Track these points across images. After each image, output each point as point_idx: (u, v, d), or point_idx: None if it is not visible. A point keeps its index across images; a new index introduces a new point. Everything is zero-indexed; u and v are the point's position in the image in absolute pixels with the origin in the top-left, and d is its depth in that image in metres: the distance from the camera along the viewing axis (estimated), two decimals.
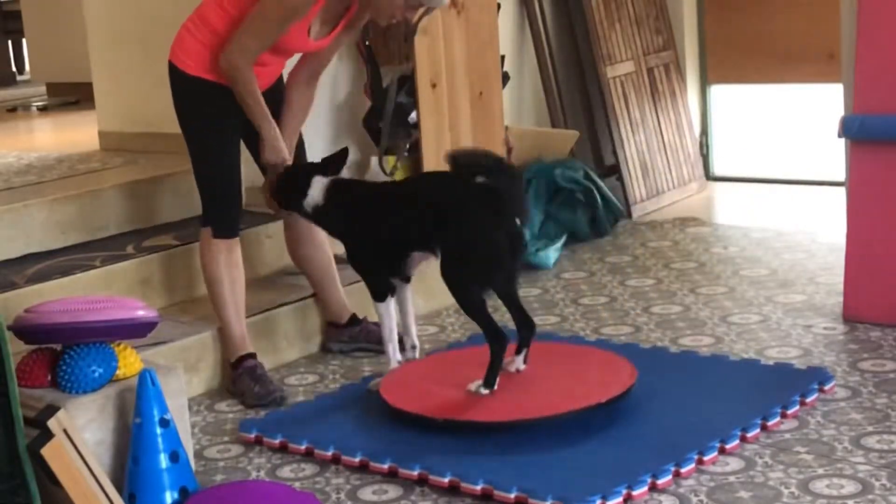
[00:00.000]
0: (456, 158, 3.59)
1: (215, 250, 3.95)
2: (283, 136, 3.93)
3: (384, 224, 3.74)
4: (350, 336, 4.29)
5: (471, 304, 3.58)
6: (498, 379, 3.57)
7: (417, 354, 3.95)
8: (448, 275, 3.59)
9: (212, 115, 3.89)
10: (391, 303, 3.85)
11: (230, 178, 3.94)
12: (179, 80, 3.88)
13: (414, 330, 3.94)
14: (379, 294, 3.85)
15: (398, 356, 3.87)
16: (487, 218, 3.52)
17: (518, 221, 3.55)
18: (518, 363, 3.71)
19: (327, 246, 4.25)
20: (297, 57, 4.01)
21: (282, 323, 4.29)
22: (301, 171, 3.90)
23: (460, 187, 3.61)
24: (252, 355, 3.99)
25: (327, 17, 3.83)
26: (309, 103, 4.07)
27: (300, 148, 4.12)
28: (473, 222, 3.54)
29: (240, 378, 3.94)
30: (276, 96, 4.01)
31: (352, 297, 4.33)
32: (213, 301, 4.01)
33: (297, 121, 4.05)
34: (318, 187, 3.81)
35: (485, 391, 3.56)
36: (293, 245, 4.27)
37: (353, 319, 4.30)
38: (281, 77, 4.07)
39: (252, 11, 3.71)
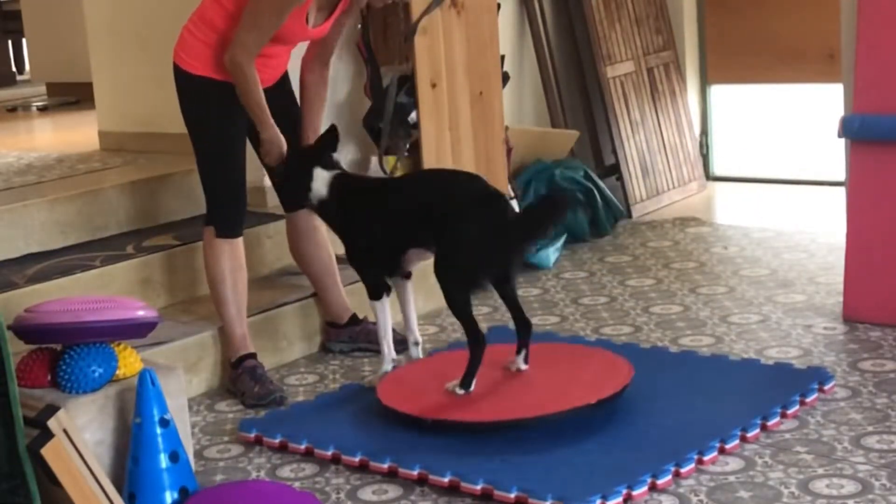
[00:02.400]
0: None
1: (218, 250, 3.95)
2: (306, 131, 3.97)
3: (380, 220, 3.74)
4: (350, 336, 4.29)
5: (455, 303, 3.59)
6: (475, 380, 3.59)
7: (421, 351, 3.96)
8: (438, 272, 3.61)
9: (219, 114, 3.89)
10: (386, 301, 3.86)
11: (235, 178, 3.95)
12: (185, 81, 3.89)
13: (416, 326, 3.94)
14: (375, 292, 3.86)
15: (393, 354, 3.89)
16: (480, 219, 3.54)
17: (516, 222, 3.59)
18: (519, 363, 3.72)
19: (329, 245, 4.25)
20: (302, 49, 4.00)
21: (282, 323, 4.29)
22: (300, 164, 3.85)
23: (457, 186, 3.63)
24: (252, 355, 3.99)
25: (323, 2, 3.84)
26: (324, 94, 4.09)
27: None
28: (465, 222, 3.55)
29: (240, 378, 3.94)
30: (285, 91, 4.03)
31: (352, 296, 4.33)
32: (215, 300, 4.01)
33: (315, 114, 4.06)
34: (321, 181, 3.80)
35: (460, 391, 3.57)
36: (294, 243, 4.28)
37: (354, 319, 4.30)
38: (286, 72, 4.07)
39: (248, 6, 3.71)
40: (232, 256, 3.96)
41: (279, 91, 4.01)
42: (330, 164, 3.85)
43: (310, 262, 4.27)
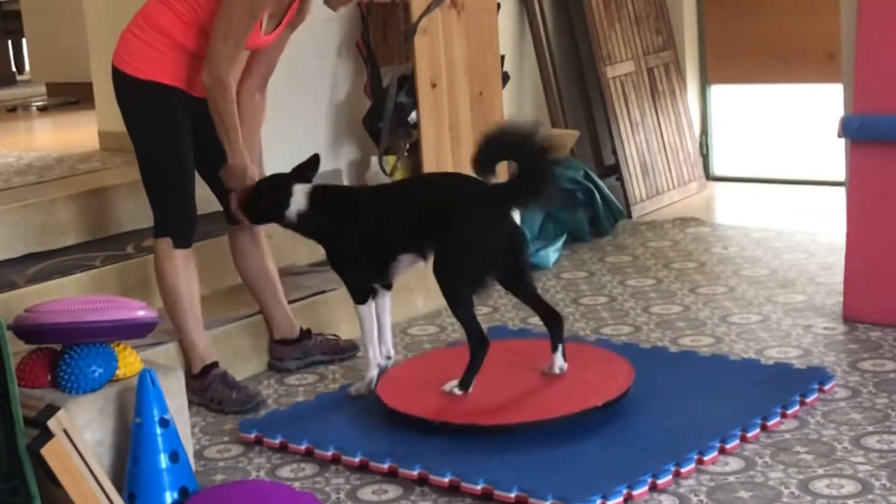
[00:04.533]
0: (488, 139, 3.53)
1: (177, 262, 3.84)
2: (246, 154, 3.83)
3: (374, 227, 3.71)
4: (304, 351, 4.19)
5: (458, 305, 3.57)
6: (474, 381, 3.57)
7: (391, 365, 3.90)
8: (438, 273, 3.59)
9: (170, 121, 3.78)
10: (373, 305, 3.82)
11: (189, 187, 3.84)
12: (132, 86, 3.77)
13: (391, 340, 3.91)
14: (361, 296, 3.81)
15: (379, 359, 3.84)
16: (483, 219, 3.52)
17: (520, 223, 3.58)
18: (559, 362, 3.65)
19: (272, 261, 4.15)
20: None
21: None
22: (279, 183, 3.81)
23: (456, 188, 3.61)
24: (216, 364, 3.92)
25: (276, 10, 3.77)
26: (263, 113, 3.99)
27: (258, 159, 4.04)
28: (468, 224, 3.52)
29: (210, 387, 3.87)
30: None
31: (298, 311, 4.27)
32: (173, 313, 3.88)
33: (254, 132, 3.97)
34: (300, 195, 3.75)
35: (458, 392, 3.56)
36: (240, 260, 4.13)
37: (304, 334, 4.21)
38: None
39: (220, 15, 3.62)
40: (188, 267, 3.86)
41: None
42: (307, 180, 3.82)
43: (256, 279, 4.12)
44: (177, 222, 3.85)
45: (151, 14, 3.75)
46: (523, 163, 3.48)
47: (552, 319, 3.66)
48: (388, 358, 3.90)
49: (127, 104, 3.84)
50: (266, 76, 3.96)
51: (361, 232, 3.72)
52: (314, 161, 3.87)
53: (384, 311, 3.87)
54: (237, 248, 4.12)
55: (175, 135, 3.79)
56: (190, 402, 3.85)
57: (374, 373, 3.82)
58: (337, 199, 3.85)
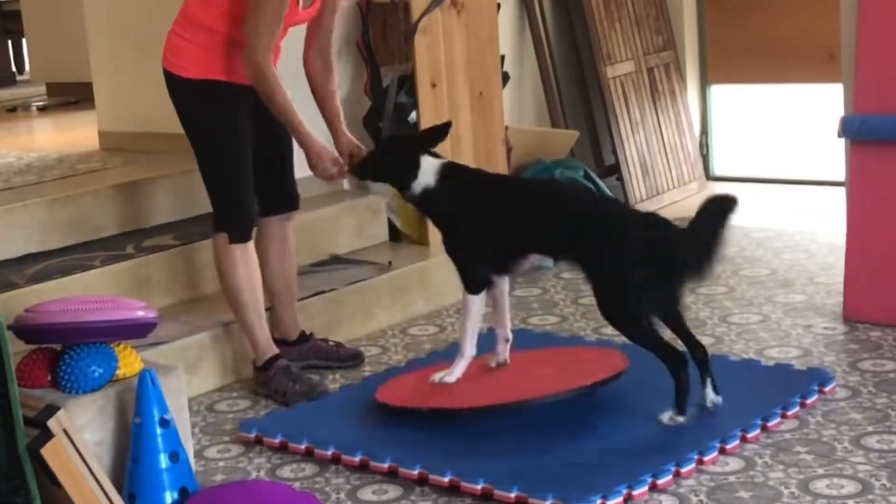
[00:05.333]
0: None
1: (234, 256, 3.85)
2: (331, 126, 3.86)
3: (509, 219, 3.53)
4: (300, 353, 4.16)
5: (631, 331, 3.42)
6: (688, 405, 3.40)
7: (508, 353, 3.76)
8: (603, 306, 3.43)
9: (225, 116, 3.80)
10: (484, 298, 3.63)
11: (246, 181, 3.85)
12: (181, 87, 3.80)
13: (509, 323, 3.75)
14: (476, 286, 3.58)
15: (473, 351, 3.65)
16: (644, 243, 3.36)
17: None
18: (709, 395, 3.49)
19: (295, 262, 4.15)
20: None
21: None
22: (407, 147, 3.62)
23: (606, 202, 3.47)
24: (279, 356, 3.95)
25: None
26: (332, 84, 3.96)
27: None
28: (628, 244, 3.37)
29: (274, 379, 3.90)
30: None
31: (298, 311, 4.23)
32: (235, 308, 3.92)
33: (328, 100, 3.94)
34: (429, 169, 3.55)
35: (680, 419, 3.39)
36: (265, 256, 4.06)
37: (303, 336, 4.20)
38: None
39: (250, 7, 3.63)
40: (247, 261, 3.86)
41: None
42: (435, 155, 3.62)
43: (276, 277, 4.09)
44: (233, 217, 3.86)
45: (192, 12, 3.76)
46: (703, 220, 3.41)
47: (697, 349, 3.50)
48: (507, 341, 3.74)
49: (182, 104, 3.84)
50: (325, 47, 3.95)
51: (492, 221, 3.55)
52: (444, 129, 3.68)
53: (503, 296, 3.68)
54: (262, 239, 4.06)
55: (232, 130, 3.81)
56: (256, 394, 3.95)
57: (462, 365, 3.65)
58: (470, 181, 3.62)
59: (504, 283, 3.68)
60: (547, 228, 3.49)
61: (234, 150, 3.82)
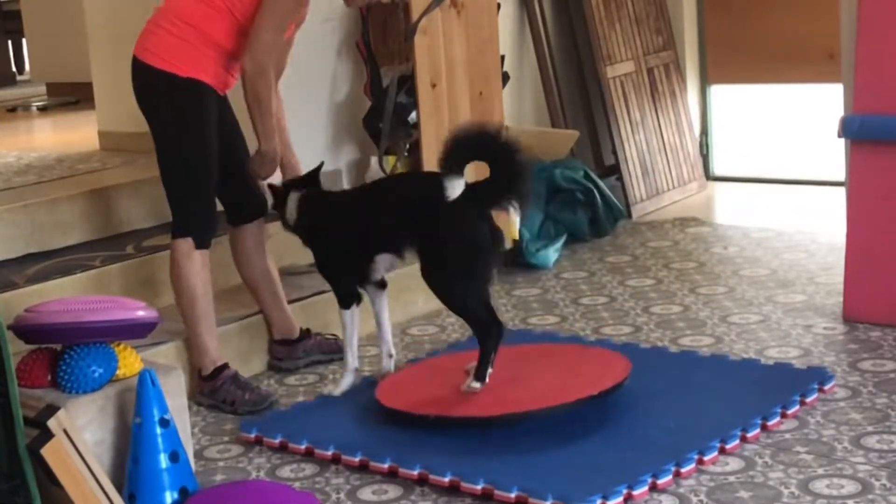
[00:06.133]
0: (455, 141, 3.49)
1: (195, 262, 3.81)
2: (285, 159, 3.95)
3: (348, 229, 3.77)
4: (304, 350, 4.19)
5: (454, 302, 3.63)
6: (489, 373, 3.57)
7: (393, 365, 3.92)
8: (429, 277, 3.63)
9: (202, 118, 3.76)
10: (356, 311, 3.87)
11: (212, 185, 3.84)
12: (165, 82, 3.72)
13: (390, 338, 3.93)
14: (345, 301, 3.87)
15: (356, 364, 3.88)
16: (466, 218, 3.52)
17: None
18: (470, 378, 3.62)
19: (273, 261, 4.16)
20: None
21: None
22: (281, 190, 3.90)
23: (432, 188, 3.50)
24: (227, 365, 3.91)
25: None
26: (281, 108, 4.01)
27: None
28: (450, 224, 3.53)
29: (221, 388, 3.86)
30: (226, 102, 3.95)
31: (298, 311, 4.27)
32: (189, 314, 3.85)
33: (281, 121, 4.01)
34: (292, 202, 3.85)
35: (476, 385, 3.54)
36: (243, 260, 4.11)
37: (305, 333, 4.21)
38: None
39: (266, 5, 3.64)
40: (205, 268, 3.84)
41: (225, 100, 3.92)
42: (301, 187, 3.89)
43: (257, 280, 4.11)
44: (200, 222, 3.84)
45: (185, 10, 3.71)
46: (494, 164, 3.48)
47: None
48: (390, 356, 3.92)
49: (159, 100, 3.77)
50: (280, 71, 3.99)
51: (337, 235, 3.79)
52: (315, 172, 3.94)
53: (382, 311, 3.90)
54: (239, 248, 4.11)
55: (206, 135, 3.79)
56: (199, 405, 3.88)
57: (349, 378, 3.87)
58: (317, 204, 3.89)
59: (383, 300, 3.89)
60: (377, 228, 3.73)
61: (206, 155, 3.79)
